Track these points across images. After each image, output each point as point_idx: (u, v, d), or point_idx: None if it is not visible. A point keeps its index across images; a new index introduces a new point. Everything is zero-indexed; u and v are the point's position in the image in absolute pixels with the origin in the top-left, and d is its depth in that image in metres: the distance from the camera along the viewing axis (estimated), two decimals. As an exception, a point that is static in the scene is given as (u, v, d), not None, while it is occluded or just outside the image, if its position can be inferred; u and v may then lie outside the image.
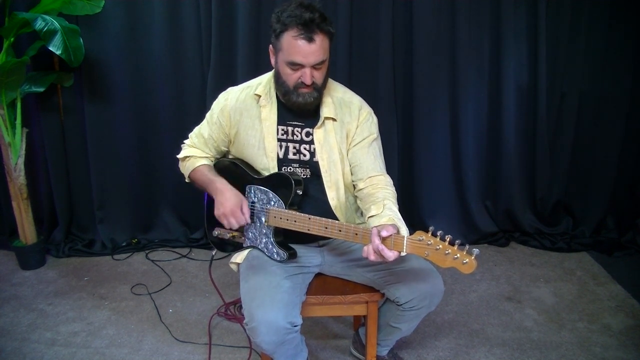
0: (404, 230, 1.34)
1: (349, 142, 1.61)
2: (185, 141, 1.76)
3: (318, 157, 1.59)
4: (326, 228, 1.44)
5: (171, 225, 2.95)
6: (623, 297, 2.39)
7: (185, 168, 1.73)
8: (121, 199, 2.88)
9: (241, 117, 1.61)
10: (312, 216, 1.46)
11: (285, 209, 1.53)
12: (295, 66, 1.46)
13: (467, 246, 1.26)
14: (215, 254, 1.84)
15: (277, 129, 1.60)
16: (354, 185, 1.63)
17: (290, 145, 1.60)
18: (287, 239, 1.59)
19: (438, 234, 1.26)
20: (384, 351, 1.83)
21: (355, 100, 1.64)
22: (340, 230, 1.41)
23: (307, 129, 1.59)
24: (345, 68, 2.67)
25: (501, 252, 2.88)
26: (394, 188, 1.57)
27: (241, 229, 1.65)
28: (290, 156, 1.61)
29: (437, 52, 2.72)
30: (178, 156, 1.75)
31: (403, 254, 1.30)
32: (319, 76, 1.50)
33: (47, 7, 2.38)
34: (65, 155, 2.82)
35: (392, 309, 1.63)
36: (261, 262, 1.57)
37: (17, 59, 2.34)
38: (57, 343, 2.07)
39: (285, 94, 1.53)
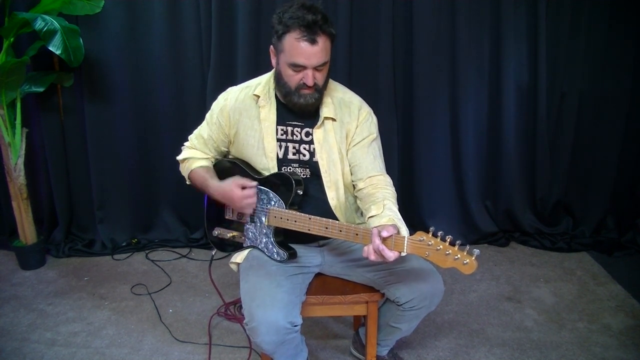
0: (404, 230, 1.34)
1: (348, 142, 1.61)
2: (185, 143, 1.76)
3: (318, 157, 1.59)
4: (326, 228, 1.44)
5: (171, 225, 2.95)
6: (623, 297, 2.39)
7: (185, 170, 1.73)
8: (121, 199, 2.88)
9: (240, 117, 1.61)
10: (313, 216, 1.46)
11: (286, 208, 1.53)
12: (298, 68, 1.46)
13: (467, 247, 1.26)
14: (215, 254, 1.84)
15: (277, 129, 1.60)
16: (353, 185, 1.63)
17: (290, 145, 1.60)
18: (287, 239, 1.59)
19: (439, 235, 1.26)
20: (384, 351, 1.83)
21: (355, 101, 1.64)
22: (340, 231, 1.41)
23: (307, 129, 1.59)
24: (345, 68, 2.67)
25: (501, 252, 2.88)
26: (393, 188, 1.57)
27: (241, 229, 1.65)
28: (290, 156, 1.61)
29: (437, 52, 2.72)
30: (177, 158, 1.75)
31: (404, 254, 1.30)
32: (320, 77, 1.50)
33: (47, 7, 2.38)
34: (65, 155, 2.82)
35: (392, 309, 1.63)
36: (261, 262, 1.57)
37: (17, 59, 2.33)
38: (57, 343, 2.07)
39: (286, 95, 1.53)
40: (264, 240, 1.59)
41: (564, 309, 2.30)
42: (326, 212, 1.59)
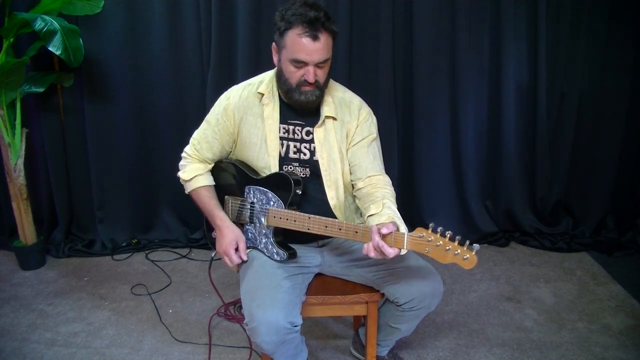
0: (403, 228, 1.34)
1: (348, 141, 1.61)
2: (185, 149, 1.70)
3: (318, 156, 1.59)
4: (326, 227, 1.44)
5: (171, 226, 2.95)
6: (623, 297, 2.38)
7: (188, 186, 1.69)
8: (121, 199, 2.88)
9: (244, 115, 1.61)
10: (312, 215, 1.46)
11: (285, 208, 1.52)
12: (299, 64, 1.46)
13: (467, 242, 1.25)
14: (215, 254, 1.83)
15: (279, 128, 1.60)
16: (352, 185, 1.63)
17: (291, 144, 1.60)
18: (286, 239, 1.59)
19: (438, 231, 1.26)
20: (383, 351, 1.83)
21: (355, 100, 1.64)
22: (340, 229, 1.41)
23: (308, 128, 1.59)
24: (345, 68, 2.67)
25: (501, 252, 2.88)
26: (392, 188, 1.57)
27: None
28: (291, 155, 1.61)
29: (437, 52, 2.72)
30: (179, 174, 1.70)
31: (404, 250, 1.30)
32: (321, 75, 1.50)
33: (47, 7, 2.38)
34: (65, 155, 2.82)
35: (392, 309, 1.63)
36: (261, 262, 1.57)
37: (17, 59, 2.34)
38: (57, 343, 2.07)
39: (287, 91, 1.53)
40: (264, 240, 1.59)
41: (564, 309, 2.30)
42: (326, 211, 1.59)
